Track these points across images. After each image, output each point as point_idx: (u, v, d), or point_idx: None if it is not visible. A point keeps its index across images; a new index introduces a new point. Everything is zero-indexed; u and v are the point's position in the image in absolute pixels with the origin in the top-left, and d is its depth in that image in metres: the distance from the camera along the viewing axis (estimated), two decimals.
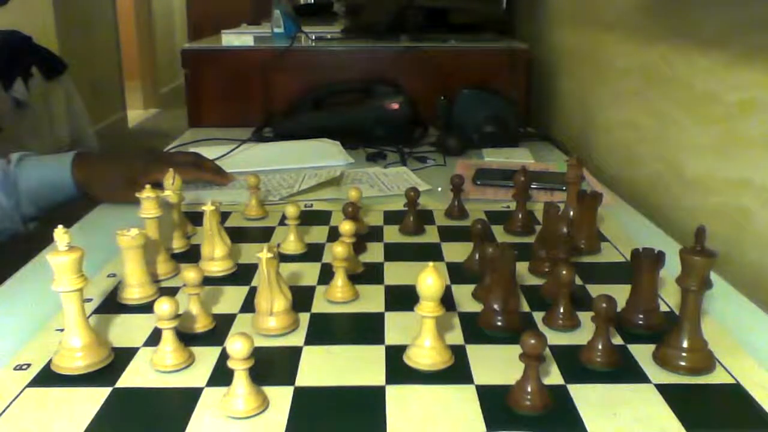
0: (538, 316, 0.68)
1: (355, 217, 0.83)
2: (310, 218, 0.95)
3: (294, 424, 0.52)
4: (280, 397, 0.55)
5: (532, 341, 0.52)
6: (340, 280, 0.72)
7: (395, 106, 1.40)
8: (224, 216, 0.95)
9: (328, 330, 0.66)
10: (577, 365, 0.59)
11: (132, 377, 0.58)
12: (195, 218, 0.89)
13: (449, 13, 1.88)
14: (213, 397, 0.55)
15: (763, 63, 0.84)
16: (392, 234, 0.91)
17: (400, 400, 0.55)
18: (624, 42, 1.27)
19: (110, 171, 1.04)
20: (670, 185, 1.08)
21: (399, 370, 0.59)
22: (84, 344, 0.59)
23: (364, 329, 0.66)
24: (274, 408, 0.53)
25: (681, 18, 1.05)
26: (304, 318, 0.68)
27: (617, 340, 0.63)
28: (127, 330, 0.65)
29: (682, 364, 0.58)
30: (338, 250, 0.71)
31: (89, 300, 0.71)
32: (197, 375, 0.58)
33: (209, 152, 1.24)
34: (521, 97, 1.58)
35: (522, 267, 0.78)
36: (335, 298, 0.71)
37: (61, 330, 0.60)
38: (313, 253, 0.84)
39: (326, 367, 0.59)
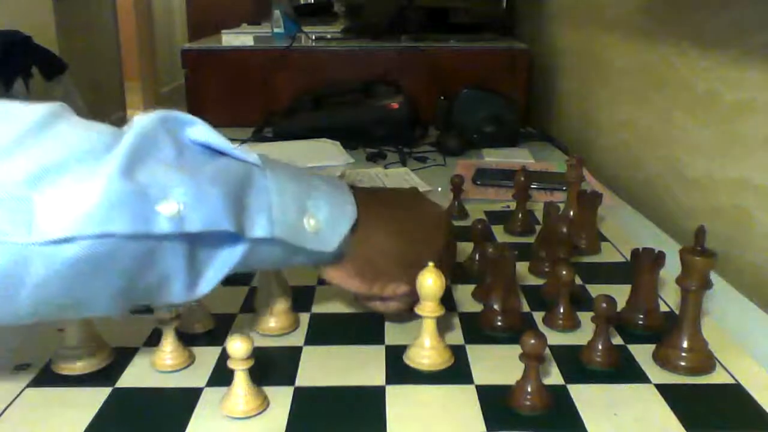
0: (538, 316, 0.68)
1: None
2: None
3: (294, 424, 0.52)
4: (280, 397, 0.55)
5: (532, 341, 0.52)
6: None
7: (395, 106, 1.40)
8: None
9: (328, 330, 0.66)
10: (577, 365, 0.59)
11: (132, 377, 0.58)
12: None
13: (449, 13, 1.88)
14: (213, 397, 0.55)
15: (763, 63, 0.84)
16: None
17: (400, 400, 0.55)
18: (624, 42, 1.27)
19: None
20: (670, 185, 1.08)
21: (399, 370, 0.59)
22: (84, 344, 0.59)
23: (364, 329, 0.66)
24: (274, 408, 0.53)
25: (681, 18, 1.05)
26: (304, 318, 0.68)
27: (617, 340, 0.63)
28: (127, 330, 0.65)
29: (682, 364, 0.58)
30: None
31: None
32: (197, 375, 0.58)
33: None
34: (521, 97, 1.58)
35: (522, 267, 0.78)
36: None
37: (61, 330, 0.60)
38: None
39: (326, 367, 0.59)
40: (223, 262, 0.50)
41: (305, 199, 0.54)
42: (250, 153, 0.52)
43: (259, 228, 0.50)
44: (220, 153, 0.51)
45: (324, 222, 0.54)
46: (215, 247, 0.49)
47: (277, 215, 0.51)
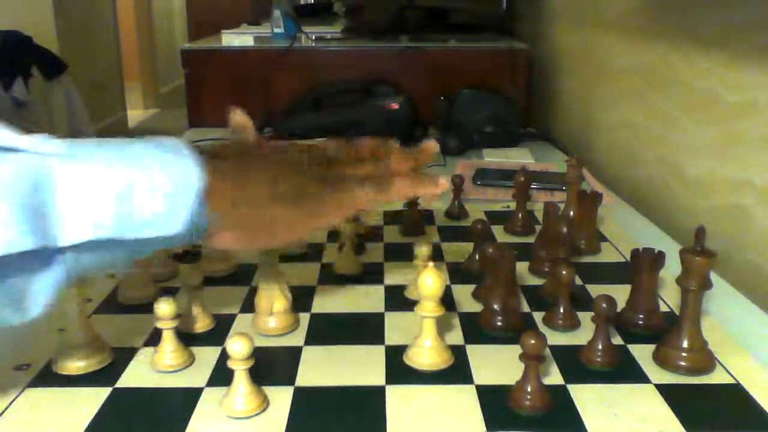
0: (538, 316, 0.68)
1: (355, 217, 0.83)
2: None
3: (294, 424, 0.52)
4: (280, 397, 0.55)
5: (532, 341, 0.52)
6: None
7: (395, 106, 1.40)
8: None
9: (328, 330, 0.66)
10: (577, 365, 0.59)
11: (132, 377, 0.58)
12: None
13: (449, 13, 1.88)
14: (213, 397, 0.55)
15: (763, 63, 0.84)
16: (392, 234, 0.91)
17: (400, 400, 0.55)
18: (624, 42, 1.27)
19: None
20: (670, 185, 1.08)
21: (399, 370, 0.59)
22: (84, 344, 0.59)
23: (364, 329, 0.66)
24: (274, 408, 0.53)
25: (681, 18, 1.05)
26: (304, 318, 0.68)
27: (617, 340, 0.63)
28: (127, 330, 0.65)
29: (682, 364, 0.58)
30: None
31: (89, 300, 0.71)
32: (197, 375, 0.58)
33: None
34: (521, 97, 1.58)
35: (522, 267, 0.78)
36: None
37: (61, 330, 0.60)
38: (313, 253, 0.84)
39: (326, 367, 0.59)
40: (44, 282, 0.43)
41: (130, 179, 0.44)
42: (50, 141, 0.43)
43: (72, 231, 0.42)
44: (9, 150, 0.42)
45: (162, 201, 0.45)
46: (30, 267, 0.43)
47: (91, 210, 0.43)
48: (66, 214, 0.42)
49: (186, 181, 0.46)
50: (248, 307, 0.70)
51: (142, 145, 0.47)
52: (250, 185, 0.52)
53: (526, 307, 0.70)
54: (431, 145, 0.70)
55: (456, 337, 0.64)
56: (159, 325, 0.58)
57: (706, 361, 0.59)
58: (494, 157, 1.32)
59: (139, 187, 0.44)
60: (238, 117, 0.64)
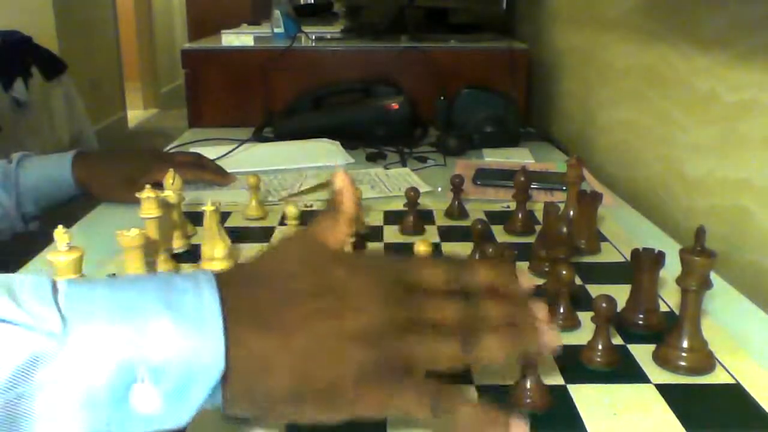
0: None
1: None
2: (310, 218, 0.95)
3: (294, 425, 0.51)
4: None
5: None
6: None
7: (395, 106, 1.40)
8: (224, 216, 0.95)
9: None
10: (577, 365, 0.59)
11: None
12: (195, 218, 0.89)
13: (449, 13, 1.88)
14: None
15: (763, 63, 0.84)
16: (392, 234, 0.91)
17: None
18: (624, 42, 1.27)
19: (110, 170, 1.04)
20: (670, 185, 1.08)
21: None
22: None
23: None
24: None
25: (681, 18, 1.05)
26: None
27: (617, 340, 0.63)
28: None
29: (682, 364, 0.58)
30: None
31: None
32: None
33: (209, 152, 1.24)
34: (521, 97, 1.58)
35: (522, 267, 0.78)
36: None
37: None
38: None
39: None
40: None
41: (134, 361, 0.37)
42: (48, 316, 0.37)
43: None
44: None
45: (168, 390, 0.39)
46: None
47: (79, 417, 0.36)
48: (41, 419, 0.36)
49: (200, 368, 0.39)
50: None
51: (155, 301, 0.39)
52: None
53: None
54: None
55: None
56: None
57: (706, 361, 0.59)
58: (494, 157, 1.32)
59: (144, 370, 0.38)
60: (341, 179, 0.50)
